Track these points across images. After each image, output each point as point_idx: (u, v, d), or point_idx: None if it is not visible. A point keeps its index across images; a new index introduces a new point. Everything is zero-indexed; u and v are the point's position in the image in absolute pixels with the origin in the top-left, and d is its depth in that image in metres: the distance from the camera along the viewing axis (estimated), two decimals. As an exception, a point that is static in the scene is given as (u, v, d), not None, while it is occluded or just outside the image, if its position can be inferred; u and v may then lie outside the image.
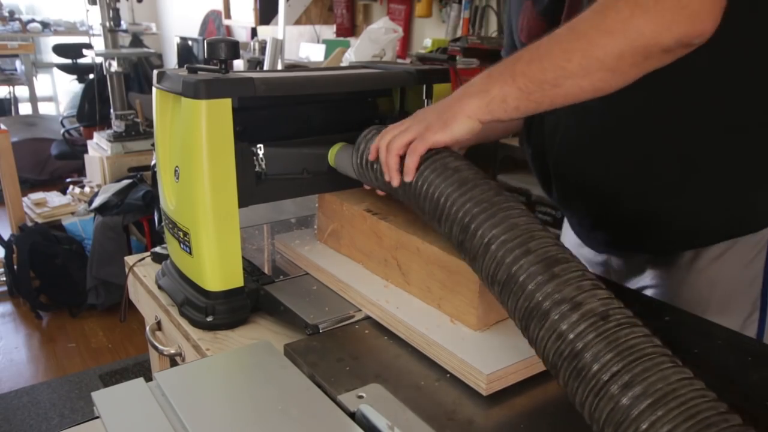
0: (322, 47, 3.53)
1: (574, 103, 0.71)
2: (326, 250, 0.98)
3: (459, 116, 0.72)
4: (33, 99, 5.41)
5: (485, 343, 0.72)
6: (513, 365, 0.68)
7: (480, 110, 0.71)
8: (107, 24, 3.22)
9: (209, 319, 0.85)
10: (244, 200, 0.86)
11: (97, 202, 2.88)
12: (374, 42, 2.38)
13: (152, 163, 2.95)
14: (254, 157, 0.87)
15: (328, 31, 3.71)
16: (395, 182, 0.74)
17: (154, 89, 0.91)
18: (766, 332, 0.94)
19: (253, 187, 0.87)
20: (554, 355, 0.53)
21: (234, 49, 0.85)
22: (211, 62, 0.87)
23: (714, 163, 0.85)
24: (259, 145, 0.87)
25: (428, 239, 0.79)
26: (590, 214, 1.01)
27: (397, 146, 0.74)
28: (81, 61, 4.89)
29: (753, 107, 0.83)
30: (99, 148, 3.35)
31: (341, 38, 3.57)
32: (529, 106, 0.71)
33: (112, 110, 3.32)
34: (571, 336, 0.51)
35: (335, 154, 0.89)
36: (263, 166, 0.87)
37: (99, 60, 3.38)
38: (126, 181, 2.96)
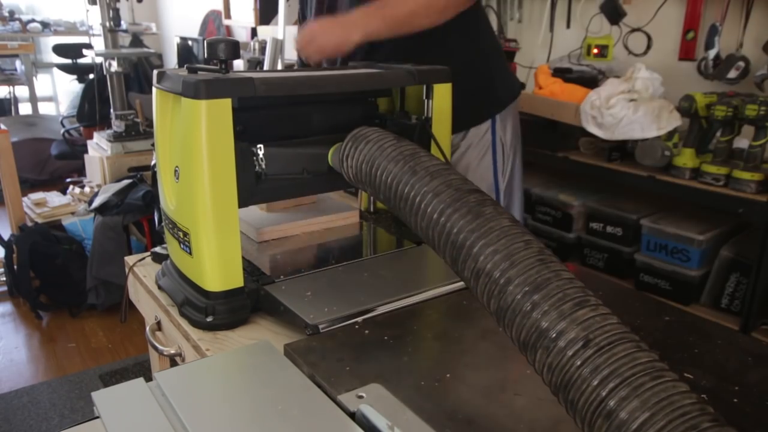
0: (322, 47, 3.52)
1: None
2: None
3: (350, 44, 1.17)
4: (33, 99, 5.40)
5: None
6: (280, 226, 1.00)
7: (361, 39, 1.16)
8: (107, 24, 3.22)
9: (209, 319, 0.85)
10: (244, 200, 0.86)
11: (97, 202, 2.88)
12: (374, 42, 2.37)
13: (152, 163, 2.95)
14: (254, 157, 0.87)
15: (328, 31, 3.70)
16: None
17: (154, 89, 0.91)
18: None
19: (253, 187, 0.87)
20: (552, 387, 0.55)
21: (234, 49, 0.85)
22: (211, 62, 0.87)
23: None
24: (259, 145, 0.86)
25: None
26: None
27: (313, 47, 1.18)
28: (81, 61, 4.89)
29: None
30: (99, 148, 3.35)
31: (341, 38, 3.56)
32: (389, 36, 1.18)
33: (112, 110, 3.32)
34: (558, 368, 0.53)
35: (335, 154, 0.89)
36: (263, 166, 0.87)
37: (99, 60, 3.38)
38: (126, 181, 2.96)
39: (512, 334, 0.59)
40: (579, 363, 0.51)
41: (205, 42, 0.86)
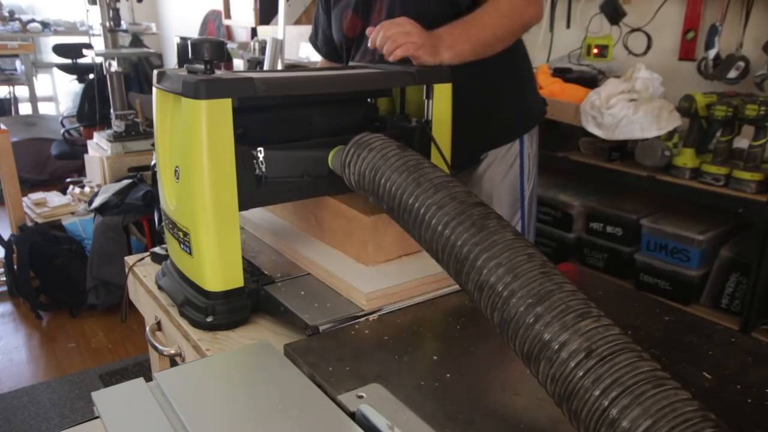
0: (322, 47, 3.52)
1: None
2: (265, 213, 1.18)
3: (439, 58, 1.10)
4: (33, 99, 5.40)
5: (375, 274, 0.91)
6: (392, 287, 0.86)
7: (449, 61, 1.11)
8: (107, 24, 3.22)
9: (209, 319, 0.85)
10: (244, 203, 0.86)
11: (97, 202, 2.88)
12: (374, 42, 2.37)
13: (152, 163, 2.95)
14: (254, 161, 0.86)
15: (328, 31, 3.70)
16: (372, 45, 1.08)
17: (154, 89, 0.91)
18: (527, 229, 1.45)
19: (253, 191, 0.87)
20: (555, 397, 0.55)
21: (219, 49, 0.84)
22: (195, 63, 0.86)
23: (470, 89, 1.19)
24: (259, 149, 0.86)
25: (340, 198, 0.98)
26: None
27: (394, 42, 1.06)
28: (81, 61, 4.89)
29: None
30: (99, 148, 3.35)
31: (341, 38, 3.56)
32: (472, 59, 1.16)
33: (112, 110, 3.31)
34: (561, 378, 0.53)
35: (335, 157, 0.89)
36: (263, 170, 0.87)
37: (99, 60, 3.38)
38: (126, 181, 2.96)
39: (515, 346, 0.59)
40: (581, 373, 0.52)
41: (190, 42, 0.85)
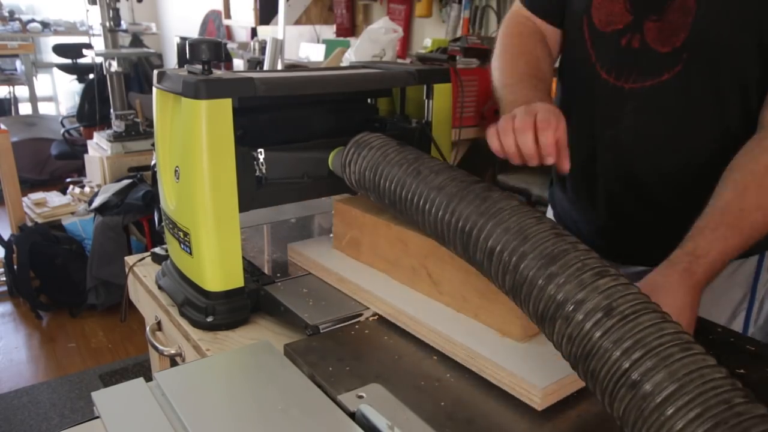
0: (322, 47, 3.53)
1: None
2: (345, 259, 0.94)
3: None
4: (33, 99, 5.40)
5: (533, 354, 0.68)
6: (568, 377, 0.63)
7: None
8: (107, 24, 3.22)
9: (209, 319, 0.85)
10: (244, 205, 0.86)
11: (97, 202, 2.88)
12: (374, 42, 2.37)
13: (152, 163, 2.95)
14: (255, 162, 0.86)
15: (328, 31, 3.71)
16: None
17: (154, 89, 0.91)
18: (751, 324, 0.99)
19: (253, 192, 0.87)
20: (571, 357, 0.53)
21: (216, 50, 0.84)
22: (194, 63, 0.86)
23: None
24: (259, 150, 0.86)
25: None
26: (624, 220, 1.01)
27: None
28: (81, 61, 4.89)
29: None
30: (99, 148, 3.35)
31: (341, 38, 3.57)
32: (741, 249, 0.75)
33: (112, 110, 3.32)
34: (578, 338, 0.52)
35: (335, 159, 0.89)
36: (264, 171, 0.87)
37: (99, 60, 3.38)
38: (126, 181, 2.96)
39: (529, 309, 0.57)
40: (600, 333, 0.49)
41: (188, 43, 0.85)
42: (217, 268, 0.85)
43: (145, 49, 4.60)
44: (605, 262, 0.56)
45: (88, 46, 4.17)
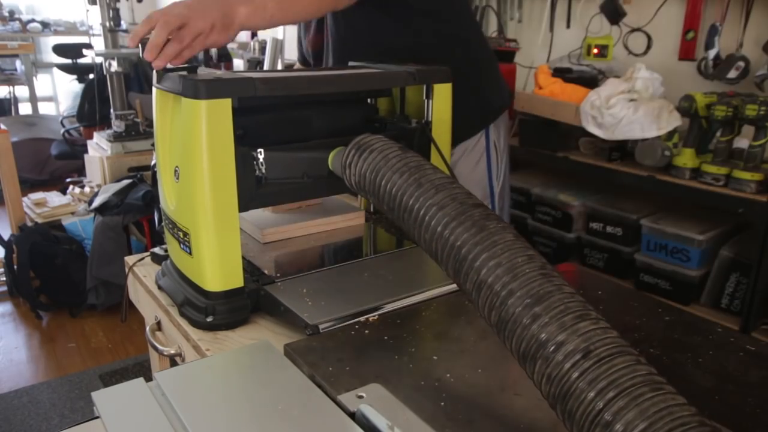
0: (322, 47, 3.52)
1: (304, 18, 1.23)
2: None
3: (236, 24, 0.90)
4: (33, 99, 5.40)
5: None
6: None
7: (248, 18, 0.90)
8: (107, 24, 3.22)
9: (209, 319, 0.85)
10: (244, 204, 0.86)
11: (97, 202, 2.88)
12: (374, 42, 2.37)
13: (152, 163, 2.95)
14: (254, 162, 0.86)
15: (328, 31, 3.70)
16: (149, 57, 0.83)
17: (154, 89, 0.91)
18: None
19: (253, 192, 0.87)
20: (549, 397, 0.55)
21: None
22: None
23: None
24: (259, 150, 0.86)
25: None
26: None
27: (172, 27, 0.84)
28: (81, 61, 4.89)
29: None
30: (99, 148, 3.35)
31: (341, 38, 3.56)
32: (280, 16, 0.96)
33: (112, 110, 3.32)
34: (557, 378, 0.53)
35: (335, 159, 0.89)
36: (263, 171, 0.87)
37: (99, 60, 3.38)
38: (126, 181, 2.96)
39: (512, 346, 0.59)
40: (577, 374, 0.51)
41: None
42: (217, 268, 0.85)
43: (145, 49, 4.58)
44: (588, 306, 0.57)
45: (88, 46, 4.17)
